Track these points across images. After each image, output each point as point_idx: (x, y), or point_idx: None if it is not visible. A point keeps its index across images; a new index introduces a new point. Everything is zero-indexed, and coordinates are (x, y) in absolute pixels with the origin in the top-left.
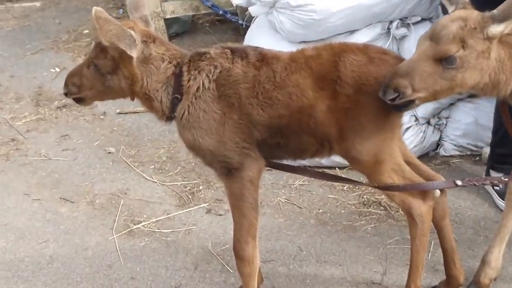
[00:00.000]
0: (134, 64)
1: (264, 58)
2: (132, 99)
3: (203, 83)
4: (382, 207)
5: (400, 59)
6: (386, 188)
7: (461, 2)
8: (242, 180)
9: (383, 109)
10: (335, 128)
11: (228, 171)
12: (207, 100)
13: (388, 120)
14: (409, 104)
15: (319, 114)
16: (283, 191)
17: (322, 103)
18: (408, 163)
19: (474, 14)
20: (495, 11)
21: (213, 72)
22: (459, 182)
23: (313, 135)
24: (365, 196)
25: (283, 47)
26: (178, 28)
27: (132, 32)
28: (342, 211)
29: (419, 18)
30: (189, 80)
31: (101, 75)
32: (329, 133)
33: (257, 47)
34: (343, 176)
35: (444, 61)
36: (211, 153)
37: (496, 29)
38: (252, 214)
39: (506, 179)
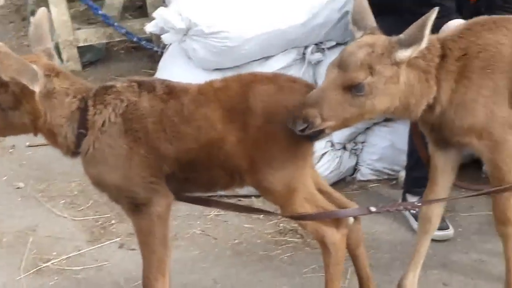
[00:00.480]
0: (36, 99)
1: (172, 91)
2: (35, 134)
3: (109, 118)
4: (298, 235)
5: (310, 87)
6: (299, 217)
7: (368, 27)
8: (151, 216)
9: (294, 138)
10: (246, 160)
11: (136, 207)
12: (113, 135)
13: (300, 148)
14: (319, 134)
15: (229, 147)
16: (198, 222)
17: (232, 135)
18: (321, 191)
19: (381, 40)
20: (402, 35)
21: (120, 106)
22: (372, 209)
23: (224, 168)
24: (281, 225)
25: (197, 75)
26: (92, 56)
27: (35, 66)
28: (258, 241)
29: (334, 43)
30: (94, 115)
31: (2, 110)
32: (240, 165)
33: (165, 80)
34: (257, 206)
35: (352, 88)
36: (118, 189)
37: (403, 54)
38: (162, 250)
39: (419, 204)
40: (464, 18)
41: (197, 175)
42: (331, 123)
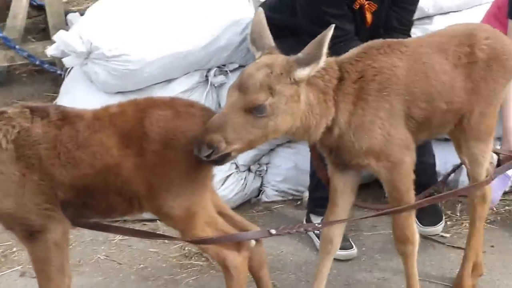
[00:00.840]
0: None
1: (66, 117)
2: None
3: (0, 144)
4: (204, 258)
5: (208, 111)
6: (200, 241)
7: (266, 47)
8: (46, 243)
9: (193, 162)
10: (143, 185)
11: (31, 234)
12: (4, 161)
13: (199, 173)
14: (225, 158)
15: (126, 173)
16: (102, 247)
17: (128, 161)
18: (222, 214)
19: (279, 59)
20: (300, 54)
21: (11, 132)
22: (273, 231)
23: (121, 194)
24: (186, 248)
25: (99, 98)
26: None
27: None
28: (164, 265)
29: (237, 65)
30: None
31: None
32: (138, 191)
33: (59, 106)
34: (162, 230)
35: (254, 110)
36: (11, 216)
37: (302, 72)
38: (59, 277)
39: (319, 226)
40: (362, 41)
41: (94, 201)
42: (236, 146)
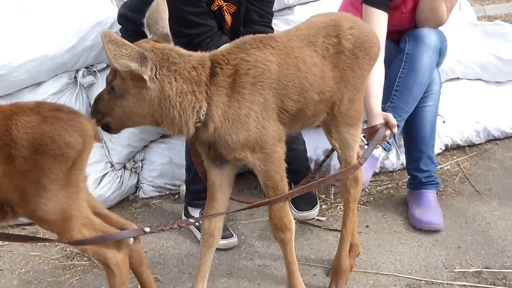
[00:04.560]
0: None
1: None
2: None
3: None
4: (86, 258)
5: (76, 114)
6: (77, 243)
7: (159, 33)
8: None
9: (64, 166)
10: (15, 192)
11: None
12: None
13: (71, 176)
14: (107, 128)
15: None
16: None
17: None
18: (98, 214)
19: (143, 45)
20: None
21: None
22: (147, 229)
23: None
24: (68, 249)
25: None
26: None
27: None
28: (46, 268)
29: (105, 65)
30: None
31: None
32: (10, 198)
33: None
34: (43, 233)
35: (109, 87)
36: None
37: (128, 63)
38: None
39: (192, 221)
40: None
41: None
42: (110, 119)
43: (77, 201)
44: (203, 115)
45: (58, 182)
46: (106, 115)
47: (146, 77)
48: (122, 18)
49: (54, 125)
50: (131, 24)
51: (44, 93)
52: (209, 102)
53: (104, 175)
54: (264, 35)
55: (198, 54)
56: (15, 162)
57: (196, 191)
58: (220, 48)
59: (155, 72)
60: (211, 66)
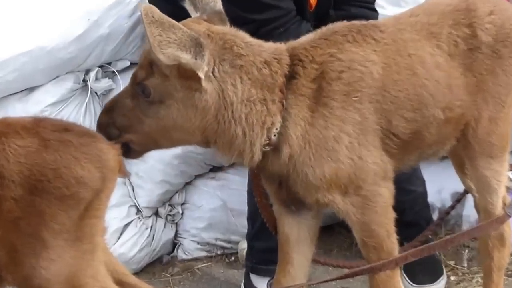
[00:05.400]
0: None
1: None
2: None
3: None
4: None
5: (90, 135)
6: None
7: (209, 10)
8: None
9: (73, 213)
10: (2, 249)
11: None
12: None
13: (83, 227)
14: (127, 150)
15: None
16: None
17: None
18: (121, 283)
19: (195, 27)
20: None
21: None
22: None
23: None
24: None
25: None
26: None
27: None
28: None
29: (128, 63)
30: None
31: None
32: None
33: None
34: None
35: (138, 89)
36: None
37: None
38: None
39: None
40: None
41: None
42: (132, 136)
43: (91, 263)
44: (275, 135)
45: (64, 235)
46: (127, 130)
47: (201, 75)
48: None
49: (60, 152)
50: (167, 3)
51: (40, 103)
52: (285, 116)
53: (127, 225)
54: (363, 22)
55: (271, 45)
56: (2, 205)
57: (263, 251)
58: (301, 39)
59: (213, 68)
60: (289, 63)
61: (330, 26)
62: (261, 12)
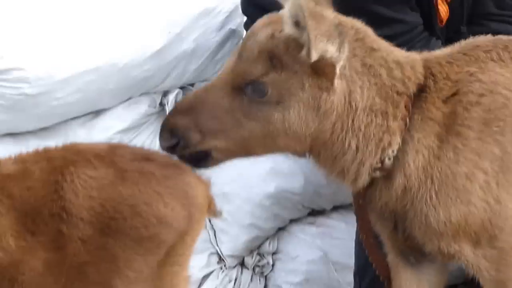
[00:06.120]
0: None
1: None
2: None
3: None
4: None
5: (176, 167)
6: None
7: None
8: None
9: (152, 258)
10: None
11: None
12: None
13: (163, 277)
14: (203, 159)
15: (30, 277)
16: None
17: (35, 257)
18: None
19: None
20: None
21: None
22: None
23: None
24: None
25: None
26: None
27: None
28: None
29: None
30: None
31: None
32: None
33: None
34: None
35: (246, 89)
36: None
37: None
38: None
39: None
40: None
41: None
42: (219, 143)
43: None
44: (389, 158)
45: (140, 285)
46: (215, 135)
47: (337, 70)
48: (250, 4)
49: (139, 186)
50: (264, 12)
51: (107, 129)
52: (406, 139)
53: (207, 276)
54: (509, 37)
55: (403, 52)
56: (67, 247)
57: None
58: (436, 52)
59: (345, 65)
60: (422, 77)
61: (471, 40)
62: (382, 27)
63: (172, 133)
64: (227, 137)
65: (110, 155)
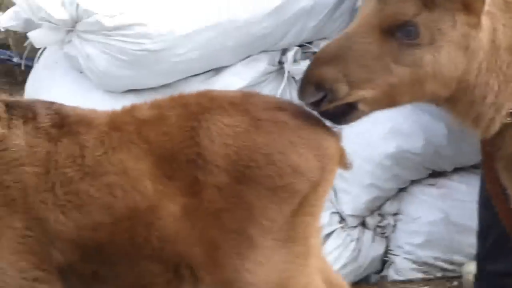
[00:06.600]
0: None
1: (64, 122)
2: None
3: None
4: None
5: (309, 117)
6: None
7: None
8: None
9: (286, 208)
10: (200, 245)
11: None
12: None
13: (296, 226)
14: (348, 112)
15: (168, 222)
16: None
17: (172, 202)
18: None
19: None
20: None
21: None
22: None
23: (160, 259)
24: None
25: (95, 100)
26: None
27: None
28: None
29: None
30: None
31: None
32: (190, 255)
33: (52, 103)
34: None
35: (397, 31)
36: None
37: None
38: None
39: None
40: None
41: (114, 270)
42: (367, 93)
43: (304, 270)
44: None
45: (274, 234)
46: (362, 85)
47: (487, 5)
48: None
49: (273, 135)
50: None
51: (227, 87)
52: None
53: (329, 235)
54: None
55: None
56: (202, 194)
57: (497, 275)
58: None
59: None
60: None
61: None
62: None
63: (318, 87)
64: (375, 87)
65: (244, 103)
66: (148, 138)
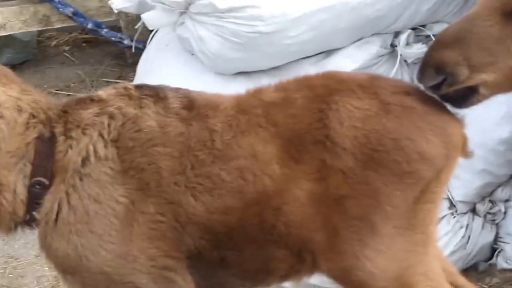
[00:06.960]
0: None
1: (194, 104)
2: None
3: (94, 150)
4: None
5: (435, 103)
6: None
7: None
8: None
9: (410, 194)
10: (322, 231)
11: None
12: (101, 179)
13: (418, 213)
14: (469, 96)
15: (294, 207)
16: None
17: (299, 187)
18: (450, 284)
19: None
20: None
21: (111, 126)
22: None
23: (285, 244)
24: None
25: (208, 82)
26: (14, 57)
27: None
28: None
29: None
30: (67, 150)
31: None
32: (312, 240)
33: (179, 88)
34: None
35: None
36: (108, 278)
37: None
38: None
39: None
40: None
41: (240, 255)
42: (488, 76)
43: (423, 258)
44: None
45: (396, 221)
46: (484, 69)
47: None
48: None
49: (402, 119)
50: None
51: (338, 69)
52: None
53: (438, 221)
54: None
55: None
56: (329, 178)
57: None
58: None
59: None
60: None
61: None
62: None
63: (438, 70)
64: (496, 70)
65: (373, 86)
66: (276, 120)
